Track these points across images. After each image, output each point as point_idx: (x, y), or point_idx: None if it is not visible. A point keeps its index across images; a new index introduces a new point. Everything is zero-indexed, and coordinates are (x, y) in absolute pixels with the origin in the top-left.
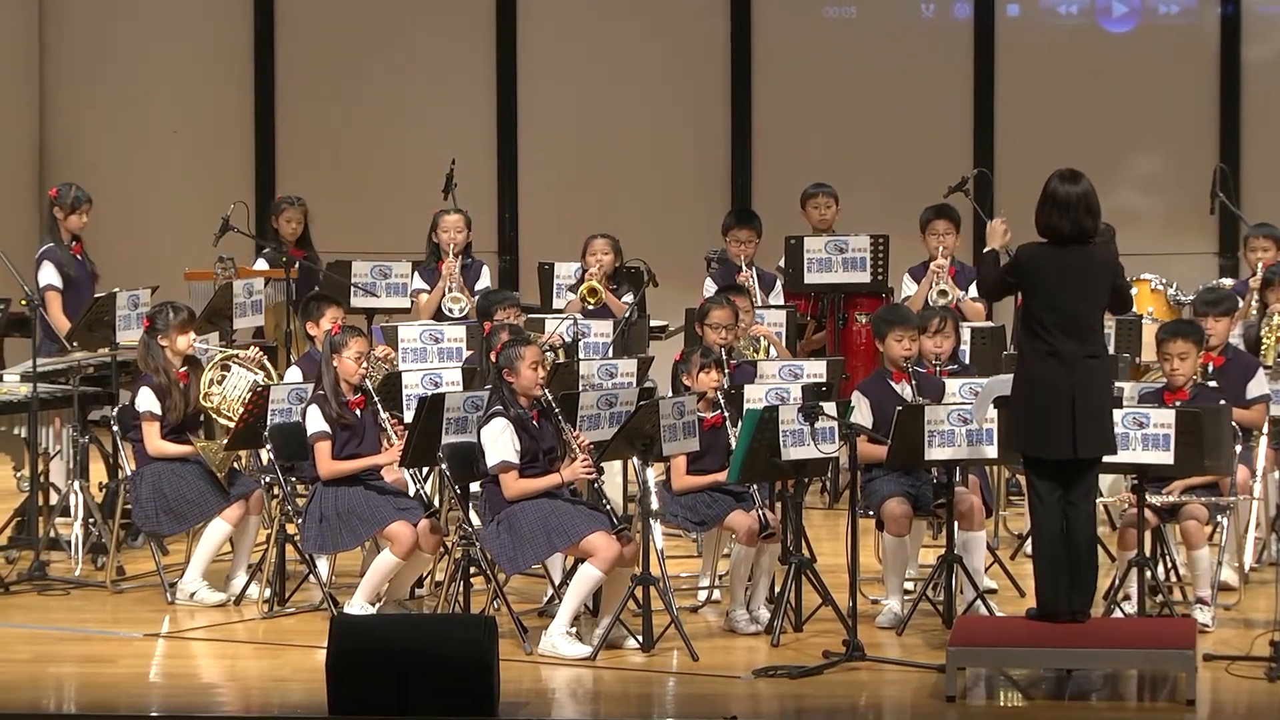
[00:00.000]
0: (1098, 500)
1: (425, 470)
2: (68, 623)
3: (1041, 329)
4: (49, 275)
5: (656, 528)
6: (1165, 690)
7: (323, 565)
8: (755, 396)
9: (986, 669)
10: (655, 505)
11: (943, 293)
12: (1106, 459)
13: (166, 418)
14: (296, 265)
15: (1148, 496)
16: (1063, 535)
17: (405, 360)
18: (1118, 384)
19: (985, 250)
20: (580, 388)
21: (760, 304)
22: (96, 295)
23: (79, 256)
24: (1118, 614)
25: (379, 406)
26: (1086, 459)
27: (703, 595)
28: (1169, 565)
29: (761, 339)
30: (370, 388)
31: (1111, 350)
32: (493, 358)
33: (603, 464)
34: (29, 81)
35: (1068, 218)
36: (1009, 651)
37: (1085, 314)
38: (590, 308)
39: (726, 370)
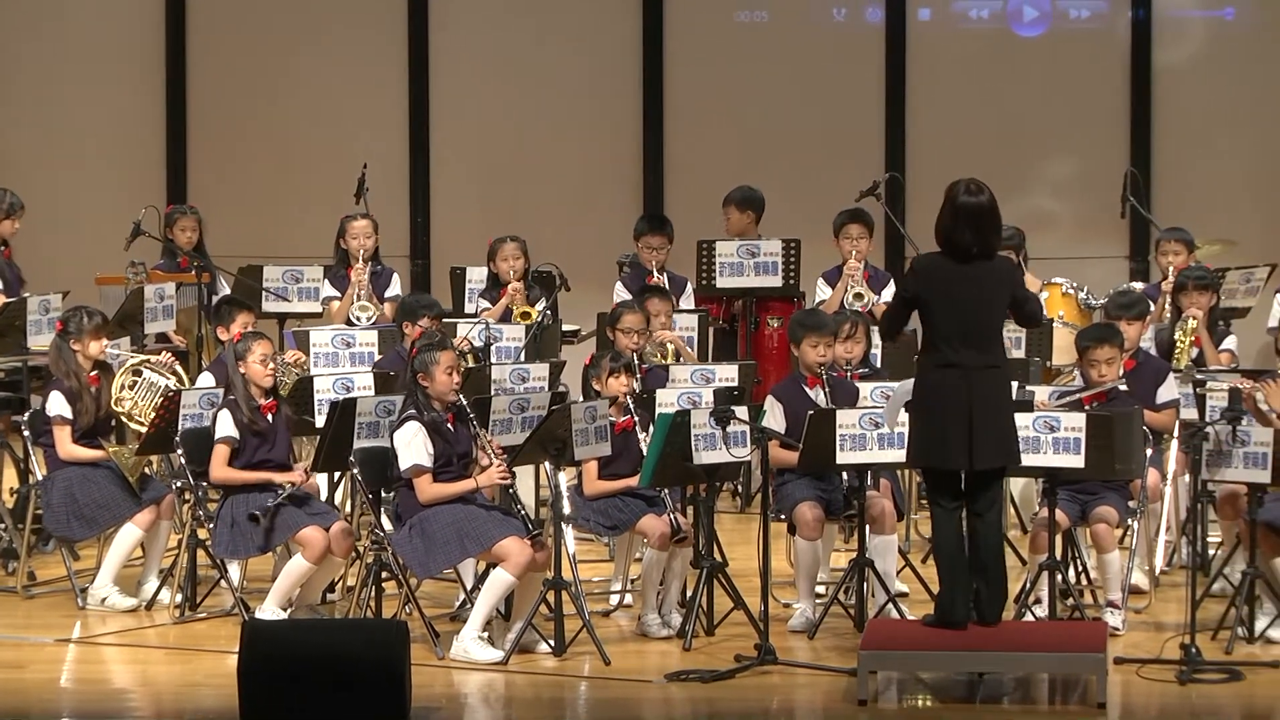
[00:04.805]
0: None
1: (337, 476)
2: None
3: (940, 339)
4: None
5: (568, 532)
6: (1076, 693)
7: (234, 570)
8: (667, 401)
9: (898, 672)
10: (567, 510)
11: (858, 295)
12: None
13: (78, 422)
14: (207, 271)
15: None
16: (962, 547)
17: (317, 365)
18: (1031, 387)
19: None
20: (492, 392)
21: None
22: (7, 300)
23: (8, 260)
24: (1029, 617)
25: (289, 411)
26: (987, 470)
27: (615, 599)
28: (1080, 569)
29: (669, 344)
30: (282, 392)
31: (1022, 354)
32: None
33: (514, 468)
34: None
35: (970, 227)
36: (920, 655)
37: (985, 322)
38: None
39: (638, 374)
